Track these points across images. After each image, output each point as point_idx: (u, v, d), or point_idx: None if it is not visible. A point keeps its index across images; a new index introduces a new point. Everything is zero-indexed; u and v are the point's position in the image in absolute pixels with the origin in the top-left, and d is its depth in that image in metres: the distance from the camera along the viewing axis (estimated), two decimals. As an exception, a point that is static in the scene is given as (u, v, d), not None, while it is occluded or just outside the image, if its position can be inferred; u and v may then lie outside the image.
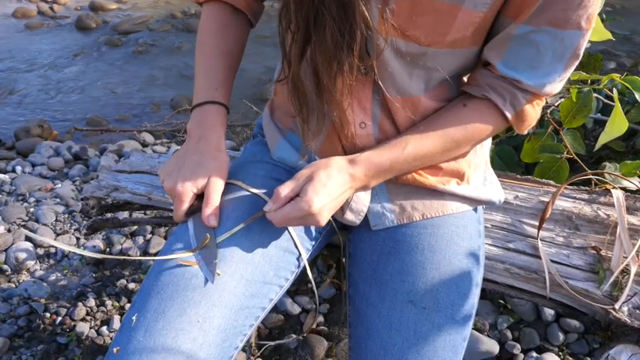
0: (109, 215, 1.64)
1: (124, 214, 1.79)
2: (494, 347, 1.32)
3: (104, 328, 1.43)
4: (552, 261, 0.88)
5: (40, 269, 1.65)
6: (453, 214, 0.79)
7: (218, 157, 0.74)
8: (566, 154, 1.21)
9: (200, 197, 0.72)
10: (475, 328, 1.38)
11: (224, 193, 0.73)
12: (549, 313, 1.39)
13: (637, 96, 1.15)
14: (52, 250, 1.73)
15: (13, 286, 1.57)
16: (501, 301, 1.44)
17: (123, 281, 1.57)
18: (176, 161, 0.74)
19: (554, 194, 0.95)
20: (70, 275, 1.62)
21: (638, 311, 0.81)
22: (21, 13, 4.44)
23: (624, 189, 1.01)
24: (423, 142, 0.71)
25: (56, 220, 1.87)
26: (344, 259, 0.86)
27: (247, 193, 0.76)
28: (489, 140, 0.86)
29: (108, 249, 1.73)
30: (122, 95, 3.22)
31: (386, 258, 0.75)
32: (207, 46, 0.80)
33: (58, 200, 1.98)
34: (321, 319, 1.44)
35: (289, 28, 0.65)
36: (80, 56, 3.73)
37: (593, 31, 1.20)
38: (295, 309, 1.46)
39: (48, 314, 1.46)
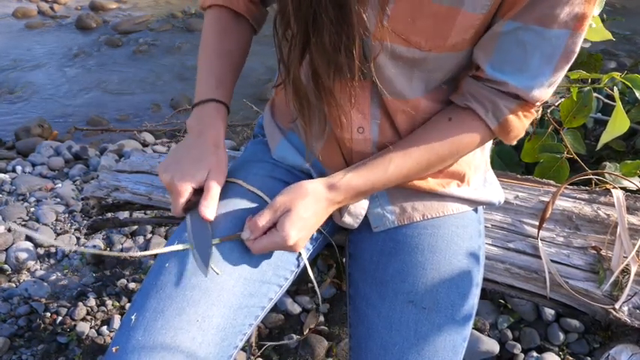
0: (109, 215, 1.64)
1: (124, 214, 1.80)
2: (494, 347, 1.32)
3: (104, 328, 1.43)
4: (552, 261, 0.88)
5: (41, 269, 1.65)
6: (453, 215, 0.79)
7: (217, 153, 0.74)
8: (567, 153, 1.21)
9: (198, 192, 0.72)
10: (475, 327, 1.38)
11: (223, 191, 0.73)
12: (549, 312, 1.39)
13: (637, 94, 1.15)
14: (53, 249, 1.73)
15: (14, 285, 1.57)
16: (501, 301, 1.44)
17: (123, 281, 1.57)
18: (175, 156, 0.74)
19: (554, 194, 0.95)
20: (70, 275, 1.62)
21: (638, 311, 0.81)
22: (21, 13, 4.44)
23: (624, 189, 1.01)
24: (406, 160, 0.70)
25: (56, 220, 1.87)
26: (344, 259, 0.86)
27: (247, 192, 0.76)
28: (490, 141, 0.86)
29: (108, 248, 1.73)
30: (122, 95, 3.22)
31: (386, 258, 0.75)
32: (209, 46, 0.80)
33: (59, 200, 1.98)
34: (321, 318, 1.44)
35: (285, 33, 0.65)
36: (80, 56, 3.73)
37: (594, 31, 1.20)
38: (295, 309, 1.46)
39: (48, 314, 1.46)
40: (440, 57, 0.66)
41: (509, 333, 1.37)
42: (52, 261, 1.69)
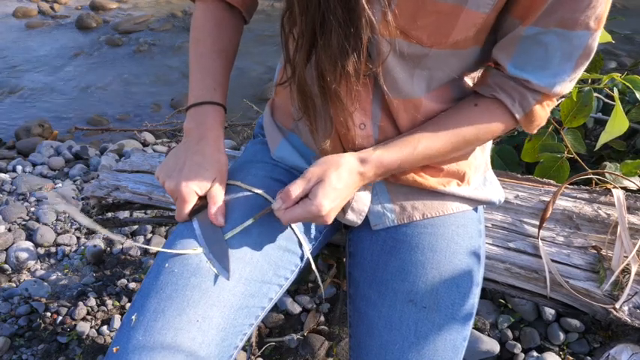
0: (109, 215, 1.64)
1: (124, 214, 1.80)
2: (494, 347, 1.32)
3: (105, 328, 1.43)
4: (553, 260, 0.88)
5: (41, 269, 1.65)
6: (454, 214, 0.79)
7: (219, 159, 0.74)
8: (567, 153, 1.20)
9: (201, 197, 0.72)
10: (476, 327, 1.38)
11: (224, 194, 0.73)
12: (550, 312, 1.39)
13: (637, 95, 1.15)
14: (53, 249, 1.73)
15: (14, 285, 1.57)
16: (502, 301, 1.44)
17: (123, 281, 1.57)
18: (175, 161, 0.74)
19: (554, 194, 0.95)
20: (70, 275, 1.62)
21: (638, 310, 0.81)
22: (21, 13, 4.45)
23: (625, 188, 1.01)
24: (434, 141, 0.70)
25: (57, 220, 1.88)
26: (344, 259, 0.86)
27: (247, 193, 0.76)
28: (490, 141, 0.86)
29: (108, 248, 1.73)
30: (123, 95, 3.22)
31: (386, 257, 0.75)
32: (203, 43, 0.80)
33: (59, 200, 1.98)
34: (321, 318, 1.44)
35: (292, 32, 0.65)
36: (81, 56, 3.73)
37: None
38: (296, 308, 1.46)
39: (48, 313, 1.46)
40: (441, 54, 0.66)
41: (509, 333, 1.37)
42: (52, 261, 1.69)
